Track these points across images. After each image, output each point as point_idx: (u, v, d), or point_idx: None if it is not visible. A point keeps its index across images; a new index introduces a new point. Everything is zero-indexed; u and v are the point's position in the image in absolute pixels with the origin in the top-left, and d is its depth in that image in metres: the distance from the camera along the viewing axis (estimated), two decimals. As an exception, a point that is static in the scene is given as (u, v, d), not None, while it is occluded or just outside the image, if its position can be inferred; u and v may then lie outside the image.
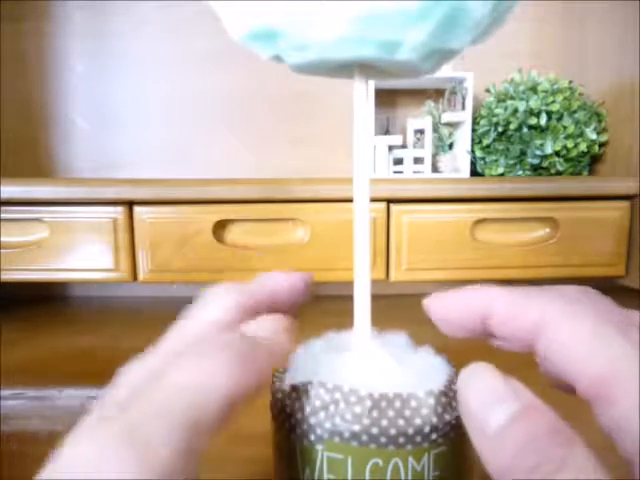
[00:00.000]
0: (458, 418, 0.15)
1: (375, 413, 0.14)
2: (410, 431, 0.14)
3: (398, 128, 0.96)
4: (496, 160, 0.87)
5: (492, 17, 0.16)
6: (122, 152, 1.00)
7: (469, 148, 0.87)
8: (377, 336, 0.18)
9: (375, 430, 0.14)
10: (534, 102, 0.82)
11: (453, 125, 0.90)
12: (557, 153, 0.84)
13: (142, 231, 0.73)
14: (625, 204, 0.74)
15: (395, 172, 0.89)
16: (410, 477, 0.14)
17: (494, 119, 0.85)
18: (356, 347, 0.18)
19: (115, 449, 0.10)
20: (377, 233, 0.74)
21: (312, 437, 0.15)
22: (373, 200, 0.22)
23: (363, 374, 0.16)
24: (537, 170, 0.86)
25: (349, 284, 0.20)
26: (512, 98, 0.84)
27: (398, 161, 0.89)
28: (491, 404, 0.12)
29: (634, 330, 0.13)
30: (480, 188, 0.74)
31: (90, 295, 0.94)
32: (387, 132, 0.95)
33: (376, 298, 0.19)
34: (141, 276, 0.74)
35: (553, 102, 0.82)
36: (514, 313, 0.15)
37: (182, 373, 0.12)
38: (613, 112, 0.87)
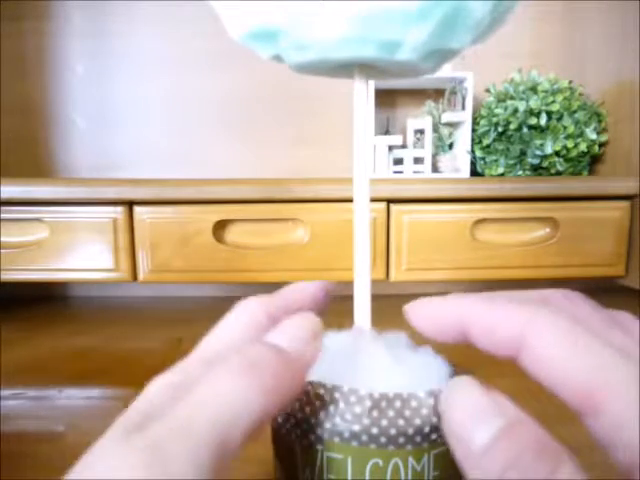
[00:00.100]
0: None
1: (375, 413, 0.14)
2: (410, 431, 0.14)
3: (398, 128, 0.96)
4: (496, 160, 0.87)
5: (492, 17, 0.16)
6: (122, 152, 1.00)
7: (469, 148, 0.87)
8: (377, 336, 0.18)
9: (375, 430, 0.14)
10: (534, 102, 0.82)
11: (453, 125, 0.90)
12: (557, 153, 0.84)
13: (142, 231, 0.73)
14: (625, 204, 0.74)
15: (395, 172, 0.89)
16: (410, 477, 0.14)
17: (494, 119, 0.85)
18: (356, 347, 0.18)
19: (138, 467, 0.10)
20: (377, 233, 0.74)
21: (312, 437, 0.15)
22: (373, 200, 0.22)
23: (363, 374, 0.16)
24: (537, 170, 0.86)
25: (349, 284, 0.20)
26: (512, 98, 0.84)
27: (398, 161, 0.89)
28: (475, 421, 0.12)
29: (617, 334, 0.13)
30: (480, 188, 0.73)
31: (90, 295, 0.94)
32: (387, 132, 0.95)
33: (376, 298, 0.19)
34: (141, 276, 0.74)
35: (553, 102, 0.82)
36: (493, 326, 0.14)
37: (210, 389, 0.12)
38: (613, 112, 0.87)
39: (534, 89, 0.84)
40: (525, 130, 0.83)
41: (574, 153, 0.84)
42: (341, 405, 0.15)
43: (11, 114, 0.97)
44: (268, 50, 0.18)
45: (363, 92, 0.19)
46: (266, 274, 0.75)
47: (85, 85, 0.98)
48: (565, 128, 0.83)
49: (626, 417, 0.11)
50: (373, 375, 0.16)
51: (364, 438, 0.14)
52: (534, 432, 0.11)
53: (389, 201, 0.74)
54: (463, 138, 0.87)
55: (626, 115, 0.84)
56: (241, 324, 0.16)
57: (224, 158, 0.99)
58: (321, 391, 0.15)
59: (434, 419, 0.14)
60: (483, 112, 0.88)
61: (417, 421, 0.14)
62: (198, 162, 1.00)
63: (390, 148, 0.88)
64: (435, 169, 0.90)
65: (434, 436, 0.14)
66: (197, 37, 0.96)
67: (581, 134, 0.84)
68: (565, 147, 0.83)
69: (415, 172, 0.88)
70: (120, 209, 0.73)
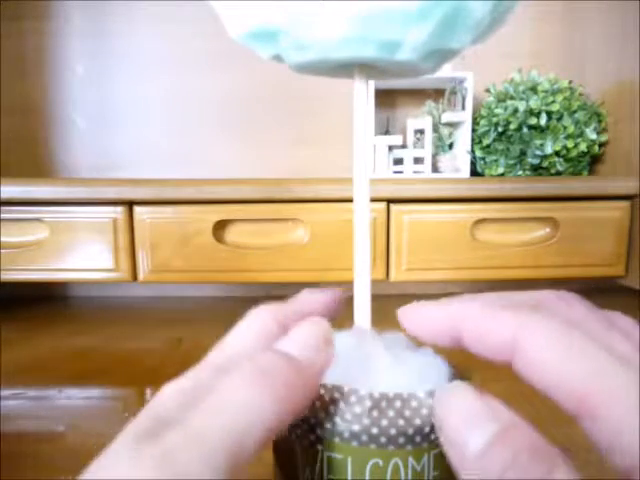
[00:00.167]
0: None
1: (375, 413, 0.14)
2: (410, 431, 0.14)
3: (398, 128, 0.96)
4: (496, 160, 0.87)
5: (492, 17, 0.16)
6: (122, 152, 1.00)
7: (469, 148, 0.87)
8: (377, 336, 0.18)
9: (375, 430, 0.14)
10: (534, 102, 0.82)
11: (453, 125, 0.90)
12: (557, 153, 0.84)
13: (142, 231, 0.73)
14: (625, 204, 0.74)
15: (395, 172, 0.89)
16: (410, 477, 0.14)
17: (494, 119, 0.85)
18: (356, 347, 0.18)
19: (152, 475, 0.10)
20: (377, 233, 0.74)
21: (312, 437, 0.15)
22: (373, 200, 0.22)
23: (363, 374, 0.16)
24: (537, 170, 0.86)
25: (349, 284, 0.20)
26: (512, 98, 0.84)
27: (398, 161, 0.89)
28: (469, 426, 0.12)
29: (614, 335, 0.13)
30: (480, 188, 0.74)
31: (90, 295, 0.94)
32: (387, 132, 0.95)
33: (376, 298, 0.19)
34: (141, 276, 0.74)
35: (553, 102, 0.82)
36: (486, 331, 0.14)
37: (224, 397, 0.12)
38: (613, 112, 0.87)
39: (534, 89, 0.84)
40: (525, 130, 0.83)
41: (574, 153, 0.84)
42: (341, 405, 0.15)
43: (11, 114, 0.97)
44: (268, 50, 0.18)
45: (363, 92, 0.19)
46: (266, 274, 0.75)
47: (85, 85, 0.98)
48: (565, 128, 0.83)
49: (625, 422, 0.11)
50: (373, 375, 0.16)
51: (364, 438, 0.14)
52: (528, 436, 0.11)
53: (389, 201, 0.74)
54: (463, 138, 0.87)
55: (626, 115, 0.84)
56: (253, 332, 0.16)
57: (224, 158, 0.99)
58: (321, 391, 0.15)
59: (434, 419, 0.14)
60: (483, 112, 0.88)
61: (417, 421, 0.14)
62: (198, 162, 1.00)
63: (390, 148, 0.88)
64: (435, 169, 0.90)
65: (434, 436, 0.14)
66: (197, 37, 0.96)
67: (581, 134, 0.84)
68: (565, 147, 0.83)
69: (415, 172, 0.88)
70: (120, 209, 0.73)
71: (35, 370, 0.55)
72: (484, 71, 0.88)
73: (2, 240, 0.73)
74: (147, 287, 0.91)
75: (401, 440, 0.14)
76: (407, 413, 0.14)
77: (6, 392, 0.48)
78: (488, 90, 0.89)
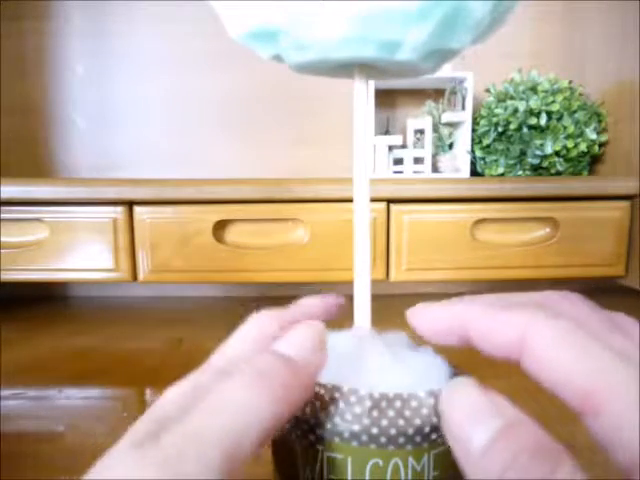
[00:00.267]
0: None
1: (375, 413, 0.14)
2: (410, 431, 0.14)
3: (398, 128, 0.96)
4: (496, 160, 0.87)
5: (492, 17, 0.16)
6: (122, 152, 1.00)
7: (469, 148, 0.87)
8: (377, 336, 0.18)
9: (375, 430, 0.14)
10: (534, 102, 0.82)
11: (453, 125, 0.90)
12: (557, 153, 0.84)
13: (142, 231, 0.73)
14: (625, 204, 0.74)
15: (395, 172, 0.89)
16: (410, 477, 0.14)
17: (494, 119, 0.85)
18: (356, 347, 0.18)
19: (152, 476, 0.10)
20: (377, 233, 0.74)
21: (312, 437, 0.15)
22: (373, 200, 0.22)
23: (363, 374, 0.16)
24: (537, 170, 0.86)
25: (349, 284, 0.20)
26: (512, 98, 0.84)
27: (398, 161, 0.89)
28: (473, 422, 0.12)
29: (616, 335, 0.13)
30: (480, 188, 0.73)
31: (90, 295, 0.94)
32: (387, 132, 0.95)
33: (376, 298, 0.19)
34: (141, 276, 0.74)
35: (553, 102, 0.82)
36: (494, 330, 0.14)
37: (222, 398, 0.12)
38: (613, 112, 0.87)
39: (534, 89, 0.84)
40: (525, 130, 0.83)
41: (574, 153, 0.84)
42: (341, 405, 0.15)
43: (11, 114, 0.97)
44: (268, 50, 0.18)
45: (363, 92, 0.19)
46: (266, 274, 0.75)
47: (85, 85, 0.98)
48: (565, 128, 0.83)
49: (626, 418, 0.11)
50: (373, 375, 0.16)
51: (364, 438, 0.14)
52: (533, 433, 0.12)
53: (389, 201, 0.74)
54: (463, 138, 0.87)
55: (626, 115, 0.84)
56: (253, 336, 0.16)
57: (224, 158, 0.99)
58: (321, 391, 0.15)
59: (434, 419, 0.14)
60: (483, 112, 0.88)
61: (417, 421, 0.14)
62: (198, 162, 1.00)
63: (390, 148, 0.88)
64: (435, 169, 0.90)
65: (434, 436, 0.14)
66: (197, 37, 0.96)
67: (581, 134, 0.84)
68: (565, 147, 0.83)
69: (415, 172, 0.88)
70: (120, 209, 0.73)
71: (35, 370, 0.55)
72: (484, 71, 0.88)
73: (2, 240, 0.73)
74: (147, 287, 0.91)
75: (401, 440, 0.14)
76: (407, 413, 0.14)
77: (6, 392, 0.48)
78: (488, 90, 0.89)
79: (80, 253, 0.73)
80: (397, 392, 0.15)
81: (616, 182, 0.74)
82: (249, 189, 0.72)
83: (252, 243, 0.75)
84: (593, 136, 0.84)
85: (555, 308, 0.14)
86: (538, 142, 0.83)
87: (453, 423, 0.13)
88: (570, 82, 0.85)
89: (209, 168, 0.98)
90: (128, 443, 0.11)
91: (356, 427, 0.14)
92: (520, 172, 0.86)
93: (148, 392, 0.49)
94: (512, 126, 0.83)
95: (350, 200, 0.19)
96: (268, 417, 0.12)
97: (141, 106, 0.99)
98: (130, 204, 0.73)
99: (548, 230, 0.76)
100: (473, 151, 0.89)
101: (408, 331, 0.19)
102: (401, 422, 0.14)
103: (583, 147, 0.84)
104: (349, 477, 0.14)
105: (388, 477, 0.14)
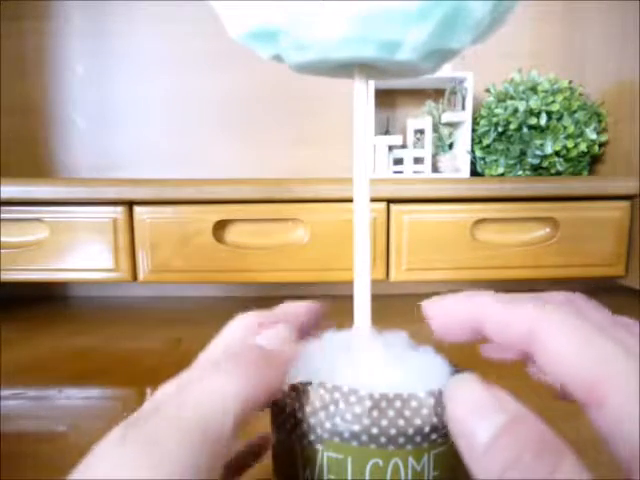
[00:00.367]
0: None
1: (375, 413, 0.14)
2: (410, 431, 0.14)
3: (398, 128, 0.96)
4: (496, 160, 0.87)
5: (492, 17, 0.16)
6: (122, 152, 1.00)
7: (469, 148, 0.87)
8: (377, 336, 0.18)
9: (375, 430, 0.14)
10: (534, 102, 0.82)
11: (453, 125, 0.90)
12: (557, 153, 0.84)
13: (142, 231, 0.73)
14: (625, 204, 0.74)
15: (395, 172, 0.89)
16: (410, 477, 0.14)
17: (494, 119, 0.85)
18: (356, 347, 0.18)
19: (134, 458, 0.11)
20: (377, 233, 0.74)
21: (312, 437, 0.15)
22: (373, 200, 0.22)
23: (363, 374, 0.16)
24: (537, 170, 0.86)
25: (349, 284, 0.20)
26: (512, 98, 0.84)
27: (398, 161, 0.89)
28: (477, 418, 0.12)
29: (619, 330, 0.13)
30: (480, 188, 0.73)
31: (90, 295, 0.94)
32: (387, 132, 0.95)
33: (376, 298, 0.19)
34: (141, 276, 0.74)
35: (553, 102, 0.82)
36: (506, 321, 0.15)
37: (199, 384, 0.13)
38: (613, 112, 0.87)
39: (534, 89, 0.84)
40: (525, 130, 0.83)
41: (574, 153, 0.84)
42: (341, 405, 0.15)
43: (11, 114, 0.97)
44: (268, 50, 0.18)
45: (363, 92, 0.19)
46: (266, 274, 0.75)
47: (85, 85, 0.98)
48: (565, 128, 0.83)
49: (626, 410, 0.11)
50: (373, 375, 0.16)
51: (364, 438, 0.14)
52: (536, 428, 0.12)
53: (389, 201, 0.74)
54: (463, 138, 0.87)
55: (626, 115, 0.84)
56: (236, 335, 0.17)
57: (224, 158, 0.99)
58: (321, 391, 0.15)
59: (434, 419, 0.14)
60: (483, 112, 0.88)
61: (417, 421, 0.14)
62: (198, 162, 1.00)
63: (390, 148, 0.88)
64: (435, 169, 0.90)
65: (434, 436, 0.14)
66: (197, 37, 0.96)
67: (581, 134, 0.84)
68: (565, 147, 0.83)
69: (415, 172, 0.88)
70: (120, 209, 0.73)
71: (35, 370, 0.55)
72: (484, 71, 0.88)
73: (2, 240, 0.73)
74: (147, 287, 0.91)
75: (401, 440, 0.14)
76: (407, 413, 0.14)
77: (6, 392, 0.48)
78: (488, 90, 0.89)
79: (80, 253, 0.73)
80: (397, 392, 0.15)
81: (616, 182, 0.74)
82: (249, 189, 0.72)
83: (252, 243, 0.75)
84: (593, 136, 0.84)
85: (563, 304, 0.15)
86: (538, 142, 0.83)
87: (457, 419, 0.13)
88: (570, 82, 0.85)
89: (209, 168, 0.98)
90: (115, 431, 0.12)
91: (356, 427, 0.14)
92: (520, 172, 0.86)
93: (148, 392, 0.49)
94: (512, 126, 0.83)
95: (350, 200, 0.19)
96: (243, 399, 0.13)
97: (141, 106, 0.99)
98: (130, 204, 0.73)
99: (548, 230, 0.76)
100: (473, 151, 0.89)
101: (408, 331, 0.19)
102: (401, 422, 0.14)
103: (583, 147, 0.84)
104: (349, 477, 0.14)
105: (388, 477, 0.14)
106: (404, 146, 0.89)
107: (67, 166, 0.99)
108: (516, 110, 0.83)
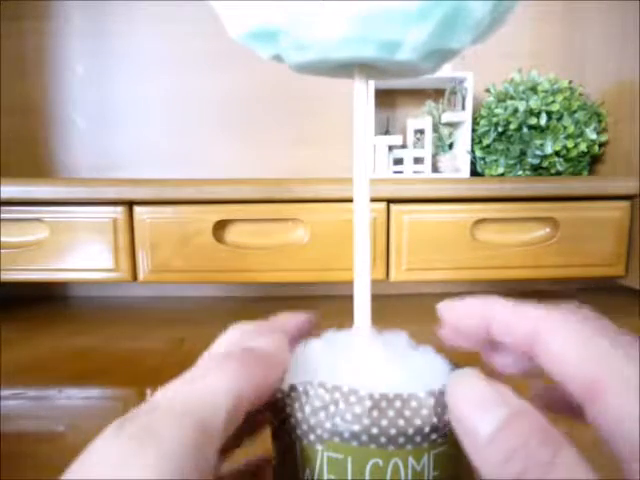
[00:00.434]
0: None
1: (375, 413, 0.14)
2: (410, 431, 0.14)
3: (398, 128, 0.96)
4: (496, 160, 0.87)
5: (492, 17, 0.16)
6: (122, 152, 1.00)
7: (469, 148, 0.87)
8: (377, 336, 0.18)
9: (375, 430, 0.14)
10: (534, 102, 0.82)
11: (453, 125, 0.90)
12: (557, 153, 0.84)
13: (142, 231, 0.73)
14: (625, 204, 0.74)
15: (395, 172, 0.89)
16: (410, 477, 0.14)
17: (494, 119, 0.85)
18: (356, 347, 0.18)
19: (132, 446, 0.11)
20: (377, 233, 0.74)
21: (312, 437, 0.15)
22: (373, 200, 0.22)
23: (363, 374, 0.16)
24: (537, 170, 0.86)
25: (349, 284, 0.20)
26: (512, 98, 0.84)
27: (398, 161, 0.89)
28: (479, 411, 0.13)
29: (621, 335, 0.14)
30: (480, 188, 0.74)
31: (90, 295, 0.94)
32: (387, 132, 0.95)
33: (376, 298, 0.19)
34: (141, 276, 0.74)
35: (553, 102, 0.82)
36: (512, 321, 0.15)
37: (192, 381, 0.14)
38: (613, 112, 0.87)
39: (534, 89, 0.84)
40: (525, 130, 0.83)
41: (574, 153, 0.84)
42: (341, 405, 0.15)
43: (11, 114, 0.97)
44: (268, 50, 0.18)
45: (363, 92, 0.19)
46: (266, 274, 0.75)
47: (85, 85, 0.98)
48: (565, 128, 0.83)
49: (626, 409, 0.11)
50: (373, 375, 0.16)
51: (364, 438, 0.14)
52: (536, 421, 0.12)
53: (389, 201, 0.74)
54: (463, 138, 0.87)
55: (626, 115, 0.84)
56: (232, 340, 0.18)
57: (224, 158, 0.99)
58: (321, 391, 0.15)
59: (434, 419, 0.14)
60: (483, 112, 0.88)
61: (417, 421, 0.14)
62: (198, 162, 1.00)
63: (390, 148, 0.88)
64: (435, 169, 0.90)
65: (434, 436, 0.14)
66: (197, 37, 0.96)
67: (581, 134, 0.84)
68: (565, 147, 0.83)
69: (415, 172, 0.88)
70: (120, 209, 0.73)
71: (35, 370, 0.55)
72: (484, 71, 0.88)
73: (2, 240, 0.73)
74: (147, 287, 0.91)
75: (401, 440, 0.14)
76: (407, 413, 0.14)
77: (6, 392, 0.48)
78: (488, 90, 0.89)
79: (80, 253, 0.73)
80: (397, 392, 0.15)
81: (616, 182, 0.74)
82: (249, 189, 0.72)
83: (252, 243, 0.75)
84: (593, 136, 0.84)
85: (567, 311, 0.15)
86: (538, 142, 0.83)
87: (459, 413, 0.13)
88: (570, 82, 0.85)
89: (209, 168, 0.98)
90: (110, 430, 0.12)
91: (356, 427, 0.14)
92: (520, 172, 0.86)
93: (148, 392, 0.49)
94: (512, 126, 0.83)
95: (350, 200, 0.19)
96: (235, 395, 0.13)
97: (141, 106, 0.99)
98: (130, 204, 0.73)
99: (548, 230, 0.76)
100: (473, 151, 0.89)
101: (408, 330, 0.19)
102: (401, 422, 0.14)
103: (583, 147, 0.84)
104: (349, 477, 0.14)
105: (388, 477, 0.14)
106: (404, 146, 0.89)
107: (67, 166, 0.99)
108: (516, 110, 0.83)
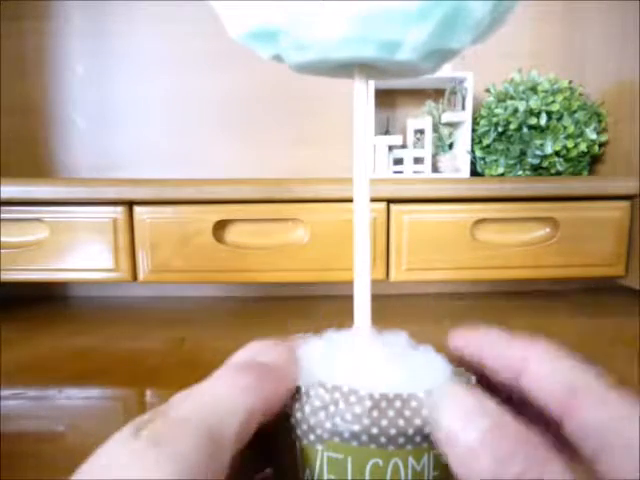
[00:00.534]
0: None
1: (375, 413, 0.14)
2: (410, 431, 0.14)
3: (398, 128, 0.96)
4: (496, 160, 0.87)
5: (492, 17, 0.16)
6: (122, 152, 1.00)
7: (469, 148, 0.87)
8: (377, 336, 0.18)
9: (375, 430, 0.14)
10: (534, 102, 0.82)
11: (453, 125, 0.90)
12: (557, 153, 0.84)
13: (142, 231, 0.73)
14: (625, 204, 0.74)
15: (395, 172, 0.89)
16: (410, 477, 0.14)
17: (494, 119, 0.85)
18: (356, 347, 0.18)
19: (144, 451, 0.11)
20: (377, 233, 0.74)
21: (312, 437, 0.15)
22: (373, 200, 0.22)
23: (363, 374, 0.16)
24: (537, 170, 0.86)
25: (349, 284, 0.20)
26: (512, 98, 0.84)
27: (398, 161, 0.89)
28: (462, 423, 0.13)
29: (590, 364, 0.15)
30: (480, 188, 0.74)
31: (90, 295, 0.94)
32: (387, 132, 0.95)
33: (376, 298, 0.19)
34: (141, 276, 0.74)
35: (553, 102, 0.82)
36: (501, 352, 0.16)
37: (205, 391, 0.14)
38: (613, 112, 0.87)
39: (534, 89, 0.84)
40: (525, 130, 0.83)
41: (574, 153, 0.84)
42: (341, 405, 0.15)
43: (11, 114, 0.97)
44: (268, 50, 0.18)
45: (363, 92, 0.19)
46: (266, 274, 0.75)
47: (85, 85, 0.98)
48: (565, 128, 0.83)
49: (598, 419, 0.12)
50: (373, 375, 0.16)
51: (364, 438, 0.14)
52: (521, 432, 0.12)
53: (389, 201, 0.74)
54: (463, 138, 0.87)
55: (626, 115, 0.84)
56: (246, 354, 0.18)
57: (224, 158, 0.99)
58: (321, 391, 0.15)
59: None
60: (483, 112, 0.88)
61: (417, 421, 0.14)
62: (198, 162, 1.00)
63: (390, 148, 0.88)
64: (435, 169, 0.90)
65: (434, 436, 0.14)
66: (197, 37, 0.96)
67: (581, 134, 0.84)
68: (565, 147, 0.83)
69: (415, 172, 0.88)
70: (120, 209, 0.73)
71: (35, 370, 0.55)
72: (484, 71, 0.88)
73: (2, 240, 0.73)
74: (147, 287, 0.91)
75: (401, 440, 0.14)
76: (407, 413, 0.14)
77: (6, 392, 0.48)
78: (488, 90, 0.89)
79: (80, 253, 0.73)
80: (397, 392, 0.15)
81: (616, 182, 0.74)
82: (249, 189, 0.72)
83: (252, 243, 0.75)
84: (593, 136, 0.84)
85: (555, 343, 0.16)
86: (538, 142, 0.83)
87: (442, 423, 0.13)
88: (570, 82, 0.85)
89: (209, 168, 0.99)
90: (123, 433, 0.12)
91: (356, 427, 0.14)
92: (520, 172, 0.86)
93: (148, 392, 0.49)
94: (512, 126, 0.83)
95: (350, 200, 0.19)
96: (244, 407, 0.13)
97: (141, 106, 0.99)
98: (130, 204, 0.73)
99: (548, 230, 0.76)
100: (473, 151, 0.89)
101: (408, 330, 0.19)
102: (401, 422, 0.14)
103: (583, 147, 0.84)
104: (349, 477, 0.14)
105: (388, 477, 0.14)
106: (404, 146, 0.89)
107: (67, 166, 0.99)
108: (516, 110, 0.83)
